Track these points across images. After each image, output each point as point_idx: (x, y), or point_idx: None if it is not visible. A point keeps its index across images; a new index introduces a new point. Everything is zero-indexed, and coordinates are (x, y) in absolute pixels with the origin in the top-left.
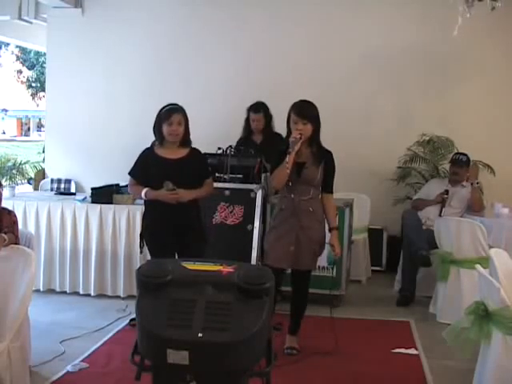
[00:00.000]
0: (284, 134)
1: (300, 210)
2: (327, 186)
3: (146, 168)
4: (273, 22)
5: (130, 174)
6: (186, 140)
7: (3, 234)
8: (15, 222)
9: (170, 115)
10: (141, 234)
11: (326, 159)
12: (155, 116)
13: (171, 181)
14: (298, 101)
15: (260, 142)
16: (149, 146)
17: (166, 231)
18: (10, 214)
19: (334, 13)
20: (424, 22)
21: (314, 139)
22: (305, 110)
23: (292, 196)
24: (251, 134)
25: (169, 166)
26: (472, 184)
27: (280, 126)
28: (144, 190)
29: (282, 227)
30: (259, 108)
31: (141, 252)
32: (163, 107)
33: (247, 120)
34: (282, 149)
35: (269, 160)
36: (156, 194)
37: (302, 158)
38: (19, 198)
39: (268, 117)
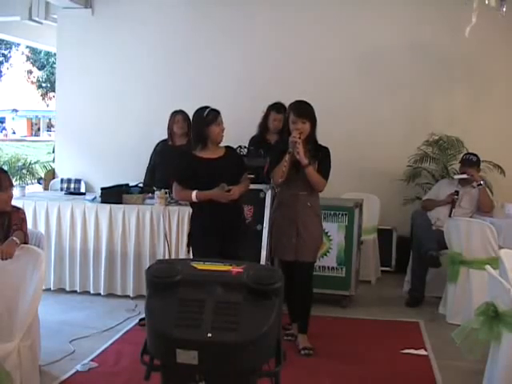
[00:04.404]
0: None
1: (299, 205)
2: (320, 173)
3: (192, 172)
4: (283, 22)
5: (175, 181)
6: None
7: (15, 238)
8: (24, 219)
9: (217, 116)
10: (189, 234)
11: (321, 154)
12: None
13: (219, 179)
14: (295, 101)
15: (275, 142)
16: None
17: (214, 231)
18: (19, 211)
19: (343, 12)
20: (436, 21)
21: (311, 137)
22: (303, 110)
23: (291, 191)
24: (266, 133)
25: (214, 166)
26: (479, 185)
27: None
28: (194, 193)
29: (282, 221)
30: (282, 109)
31: (188, 251)
32: (200, 111)
33: (265, 118)
34: (279, 147)
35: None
36: (209, 194)
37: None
38: (29, 197)
39: (286, 119)
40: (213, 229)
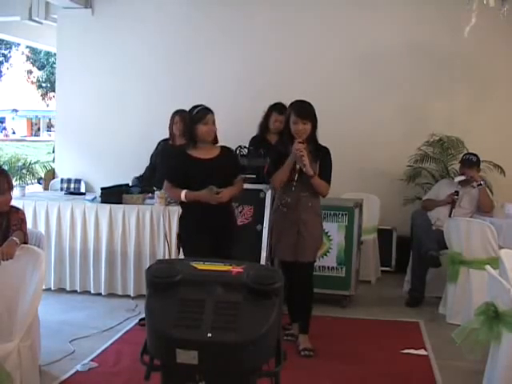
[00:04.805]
0: None
1: (300, 205)
2: (323, 177)
3: (183, 171)
4: (283, 22)
5: (166, 178)
6: (216, 139)
7: (15, 238)
8: (23, 220)
9: (205, 115)
10: (178, 234)
11: (322, 154)
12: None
13: (210, 180)
14: (296, 101)
15: (275, 142)
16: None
17: (205, 231)
18: (18, 211)
19: (342, 12)
20: (436, 21)
21: (311, 137)
22: (304, 110)
23: (292, 192)
24: (266, 133)
25: (206, 167)
26: (479, 185)
27: None
28: (183, 193)
29: (283, 222)
30: (283, 110)
31: (178, 252)
32: (191, 109)
33: (266, 118)
34: (278, 149)
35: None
36: (198, 195)
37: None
38: (29, 197)
39: (287, 119)
40: (202, 229)
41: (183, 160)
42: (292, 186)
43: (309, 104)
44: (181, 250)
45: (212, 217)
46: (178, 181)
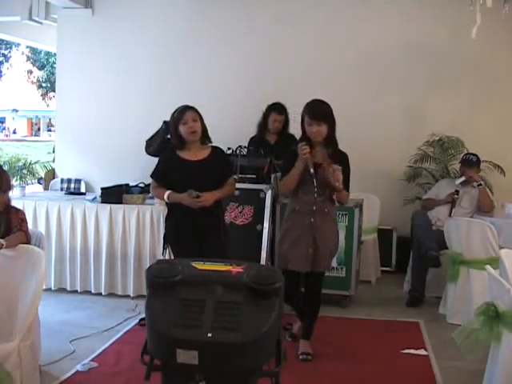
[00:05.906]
0: (296, 134)
1: (315, 211)
2: (343, 186)
3: (169, 171)
4: (284, 21)
5: (152, 176)
6: (205, 138)
7: (1, 240)
8: (23, 219)
9: (183, 114)
10: (164, 236)
11: (340, 160)
12: (166, 118)
13: (194, 183)
14: (311, 101)
15: (274, 142)
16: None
17: (189, 232)
18: (18, 212)
19: (343, 11)
20: (437, 21)
21: (330, 139)
22: (318, 111)
23: (305, 196)
24: (265, 133)
25: (192, 169)
26: (479, 185)
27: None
28: (166, 193)
29: (296, 229)
30: (282, 110)
31: (163, 253)
32: (175, 110)
33: (265, 118)
34: (291, 149)
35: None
36: (179, 198)
37: (318, 158)
38: (29, 197)
39: (287, 119)
40: (188, 229)
41: (170, 161)
42: (313, 193)
43: (324, 104)
44: (166, 250)
45: (197, 217)
46: (164, 181)
